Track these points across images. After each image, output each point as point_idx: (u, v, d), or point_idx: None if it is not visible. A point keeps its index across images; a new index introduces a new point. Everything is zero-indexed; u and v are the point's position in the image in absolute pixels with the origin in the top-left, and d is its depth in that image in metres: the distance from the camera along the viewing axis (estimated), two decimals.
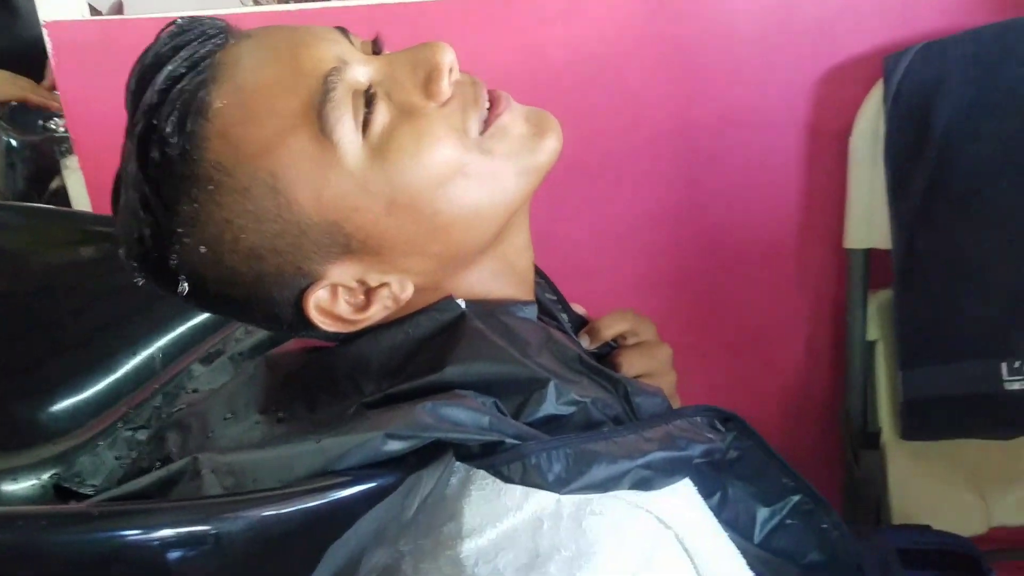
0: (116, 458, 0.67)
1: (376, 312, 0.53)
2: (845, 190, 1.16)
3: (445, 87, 0.52)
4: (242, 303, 0.53)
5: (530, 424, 0.50)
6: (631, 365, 0.65)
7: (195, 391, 0.70)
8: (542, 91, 1.09)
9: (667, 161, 1.18)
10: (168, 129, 0.48)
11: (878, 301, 1.21)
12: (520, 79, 1.09)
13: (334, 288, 0.52)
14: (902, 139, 1.10)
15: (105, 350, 0.74)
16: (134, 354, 0.74)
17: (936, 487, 1.20)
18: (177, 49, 0.50)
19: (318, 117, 0.49)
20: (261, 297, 0.52)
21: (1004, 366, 1.08)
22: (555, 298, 0.70)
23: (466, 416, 0.47)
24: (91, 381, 0.72)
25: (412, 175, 0.50)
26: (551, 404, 0.50)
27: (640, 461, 0.49)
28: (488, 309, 0.56)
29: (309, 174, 0.49)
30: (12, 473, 0.62)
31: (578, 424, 0.52)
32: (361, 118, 0.50)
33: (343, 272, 0.52)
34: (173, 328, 0.77)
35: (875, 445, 1.22)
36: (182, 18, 0.52)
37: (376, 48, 0.55)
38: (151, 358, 0.76)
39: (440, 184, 0.51)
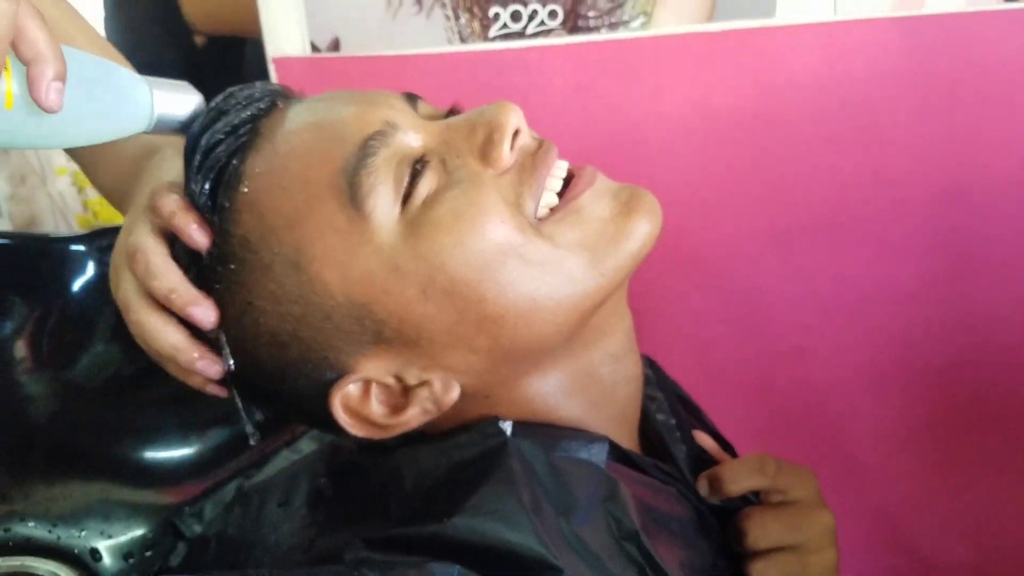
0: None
1: (413, 416, 0.45)
2: None
3: (505, 152, 0.44)
4: (272, 398, 0.48)
5: None
6: (764, 533, 0.50)
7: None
8: (775, 128, 0.92)
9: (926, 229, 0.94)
10: (201, 202, 0.45)
11: None
12: (752, 114, 0.93)
13: (367, 384, 0.45)
14: None
15: None
16: None
17: None
18: (222, 114, 0.46)
19: (349, 185, 0.43)
20: (287, 392, 0.47)
21: None
22: (674, 422, 0.56)
23: None
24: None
25: (450, 255, 0.42)
26: None
27: None
28: (542, 440, 0.46)
29: (335, 250, 0.43)
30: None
31: None
32: (404, 189, 0.43)
33: (377, 366, 0.45)
34: None
35: None
36: (239, 86, 0.48)
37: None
38: None
39: (486, 267, 0.43)
